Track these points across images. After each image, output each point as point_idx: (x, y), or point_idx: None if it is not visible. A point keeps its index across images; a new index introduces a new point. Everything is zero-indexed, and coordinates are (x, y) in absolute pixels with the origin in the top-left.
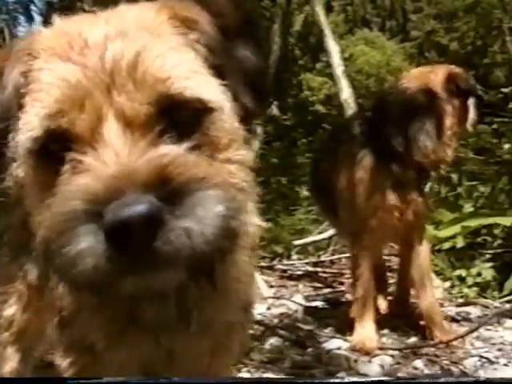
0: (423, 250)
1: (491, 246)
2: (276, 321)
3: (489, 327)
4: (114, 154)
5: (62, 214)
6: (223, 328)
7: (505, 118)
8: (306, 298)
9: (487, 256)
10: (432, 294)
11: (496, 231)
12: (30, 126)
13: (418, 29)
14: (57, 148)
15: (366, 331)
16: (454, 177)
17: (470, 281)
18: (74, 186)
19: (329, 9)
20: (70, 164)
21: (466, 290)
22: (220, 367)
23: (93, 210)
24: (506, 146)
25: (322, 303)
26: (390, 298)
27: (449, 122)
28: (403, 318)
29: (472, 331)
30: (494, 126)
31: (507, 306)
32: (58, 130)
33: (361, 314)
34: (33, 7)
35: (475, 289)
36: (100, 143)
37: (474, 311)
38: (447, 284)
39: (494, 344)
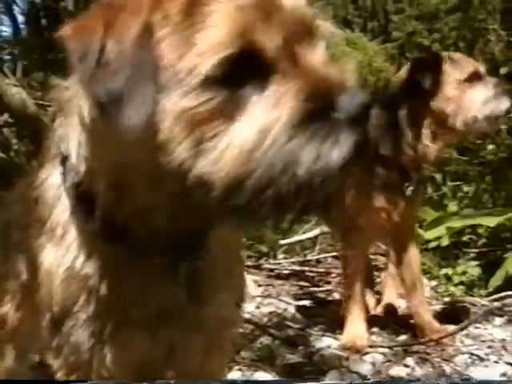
0: (413, 251)
1: (475, 244)
2: (265, 319)
3: (478, 325)
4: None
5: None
6: (216, 324)
7: None
8: (294, 296)
9: (472, 255)
10: (422, 294)
11: (480, 230)
12: (205, 54)
13: (399, 30)
14: (241, 72)
15: (356, 329)
16: (438, 177)
17: (456, 279)
18: (286, 89)
19: None
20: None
21: (452, 289)
22: (213, 366)
23: (324, 105)
24: (490, 147)
25: (309, 302)
26: (377, 296)
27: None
28: (393, 317)
29: (462, 329)
30: None
31: (495, 303)
32: (242, 51)
33: (351, 312)
34: (15, 7)
35: (461, 287)
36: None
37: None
38: (434, 283)
39: (483, 341)
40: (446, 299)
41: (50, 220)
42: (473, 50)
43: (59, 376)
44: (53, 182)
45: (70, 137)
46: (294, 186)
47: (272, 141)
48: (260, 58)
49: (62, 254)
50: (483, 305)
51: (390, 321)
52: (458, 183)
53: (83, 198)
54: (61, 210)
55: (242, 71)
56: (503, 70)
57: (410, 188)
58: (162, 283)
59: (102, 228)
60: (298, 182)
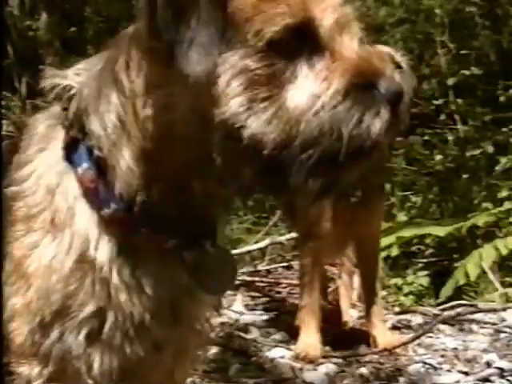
0: (373, 261)
1: (423, 254)
2: (217, 330)
3: (430, 334)
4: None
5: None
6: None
7: (436, 130)
8: (246, 307)
9: (420, 265)
10: (377, 303)
11: (428, 240)
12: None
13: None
14: (298, 43)
15: (310, 339)
16: (387, 187)
17: (405, 289)
18: (335, 66)
19: None
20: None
21: (402, 298)
22: (179, 371)
23: (368, 83)
24: (438, 157)
25: (261, 312)
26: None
27: None
28: (347, 326)
29: (416, 338)
30: (426, 138)
31: (445, 313)
32: (301, 23)
33: (305, 322)
34: None
35: (411, 297)
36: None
37: (415, 319)
38: (384, 292)
39: (436, 350)
40: (397, 309)
41: (50, 209)
42: (420, 62)
43: None
44: (51, 165)
45: (92, 110)
46: (338, 146)
47: (321, 106)
48: (315, 34)
49: (67, 246)
50: (435, 314)
51: (343, 331)
52: (406, 193)
53: (103, 178)
54: (63, 197)
55: (299, 43)
56: (450, 82)
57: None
58: (173, 273)
59: (122, 209)
60: (342, 143)
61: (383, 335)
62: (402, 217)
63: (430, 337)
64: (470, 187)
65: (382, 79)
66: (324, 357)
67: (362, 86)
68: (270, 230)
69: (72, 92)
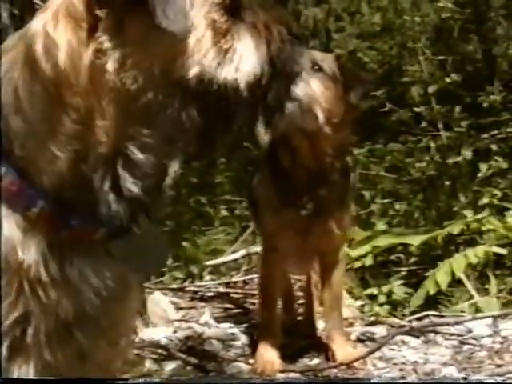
0: (337, 274)
1: (407, 263)
2: (180, 344)
3: (393, 347)
4: None
5: None
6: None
7: (418, 137)
8: (217, 319)
9: (400, 274)
10: (339, 316)
11: (412, 249)
12: None
13: (341, 48)
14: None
15: (268, 354)
16: (367, 194)
17: (381, 299)
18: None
19: None
20: None
21: (377, 309)
22: None
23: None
24: (419, 165)
25: (230, 325)
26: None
27: None
28: (307, 339)
29: (371, 352)
30: (409, 145)
31: (408, 325)
32: None
33: (264, 336)
34: None
35: (387, 307)
36: None
37: (380, 331)
38: (359, 303)
39: (395, 364)
40: (372, 319)
41: None
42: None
43: None
44: None
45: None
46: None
47: (271, 51)
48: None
49: None
50: (401, 325)
51: (304, 343)
52: (386, 201)
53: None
54: None
55: (235, 9)
56: (431, 89)
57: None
58: (103, 264)
59: (49, 205)
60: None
61: (342, 349)
62: (381, 225)
63: (393, 349)
64: (451, 194)
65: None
66: (282, 371)
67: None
68: (246, 240)
69: None
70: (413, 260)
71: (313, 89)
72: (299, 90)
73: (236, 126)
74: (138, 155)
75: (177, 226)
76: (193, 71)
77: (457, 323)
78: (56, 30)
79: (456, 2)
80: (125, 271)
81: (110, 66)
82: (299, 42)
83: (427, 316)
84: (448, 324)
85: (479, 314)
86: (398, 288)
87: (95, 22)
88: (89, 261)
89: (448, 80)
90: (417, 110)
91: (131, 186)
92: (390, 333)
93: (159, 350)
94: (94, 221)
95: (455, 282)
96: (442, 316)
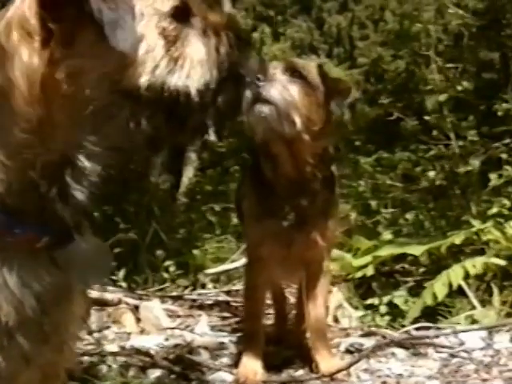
0: (321, 286)
1: (415, 273)
2: (168, 352)
3: (381, 359)
4: None
5: None
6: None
7: (429, 145)
8: (213, 328)
9: (405, 284)
10: (323, 327)
11: (421, 258)
12: None
13: (364, 56)
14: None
15: (251, 364)
16: (373, 203)
17: (382, 309)
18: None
19: (276, 36)
20: None
21: (377, 319)
22: None
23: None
24: (431, 174)
25: (223, 334)
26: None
27: None
28: (295, 349)
29: (352, 364)
30: (419, 154)
31: (397, 335)
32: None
33: (247, 346)
34: None
35: (387, 317)
36: None
37: (369, 342)
38: (360, 312)
39: (379, 376)
40: (373, 329)
41: None
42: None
43: None
44: None
45: None
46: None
47: (219, 56)
48: (190, 6)
49: None
50: (391, 337)
51: (290, 354)
52: (392, 210)
53: None
54: None
55: (184, 16)
56: (442, 97)
57: (291, 216)
58: (46, 272)
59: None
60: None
61: (325, 360)
62: (387, 235)
63: (380, 362)
64: (461, 204)
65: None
66: (264, 382)
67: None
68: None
69: None
70: (421, 270)
71: (291, 94)
72: (276, 93)
73: (187, 132)
74: (86, 163)
75: (187, 233)
76: (143, 80)
77: (436, 336)
78: (8, 41)
79: (473, 8)
80: (68, 278)
81: (61, 76)
82: (248, 46)
83: (423, 327)
84: (427, 337)
85: (459, 327)
86: (398, 298)
87: (47, 34)
88: (30, 267)
89: (459, 88)
90: (426, 118)
91: (77, 194)
92: (372, 345)
93: (147, 358)
94: (38, 229)
95: (459, 293)
96: (438, 328)
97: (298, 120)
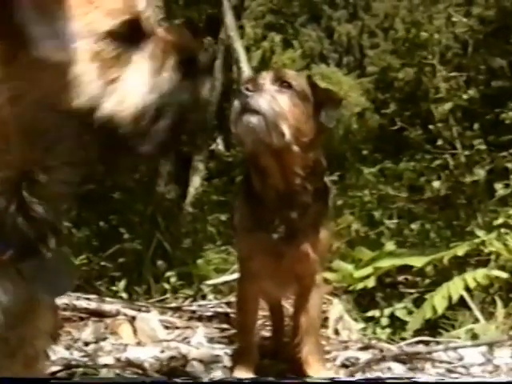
0: (313, 298)
1: (422, 283)
2: (162, 364)
3: (377, 373)
4: None
5: None
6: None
7: (434, 155)
8: (211, 340)
9: (408, 296)
10: (315, 342)
11: (428, 269)
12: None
13: (374, 64)
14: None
15: (242, 377)
16: (377, 214)
17: (383, 322)
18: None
19: (286, 45)
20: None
21: (378, 331)
22: None
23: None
24: (436, 184)
25: (220, 346)
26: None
27: None
28: (288, 363)
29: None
30: (423, 163)
31: (394, 349)
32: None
33: (240, 359)
34: None
35: (388, 330)
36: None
37: (365, 356)
38: (361, 325)
39: None
40: (374, 342)
41: None
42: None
43: None
44: None
45: None
46: (180, 113)
47: (161, 81)
48: (141, 25)
49: None
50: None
51: (284, 367)
52: (396, 221)
53: None
54: None
55: (132, 33)
56: (447, 106)
57: (282, 228)
58: (13, 285)
59: None
60: (182, 110)
61: (317, 375)
62: (390, 246)
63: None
64: (467, 214)
65: (197, 54)
66: None
67: (184, 61)
68: None
69: None
70: (426, 281)
71: (280, 104)
72: (264, 104)
73: (126, 157)
74: (43, 178)
75: (192, 243)
76: (77, 103)
77: (429, 353)
78: None
79: (481, 16)
80: (34, 291)
81: (3, 97)
82: (205, 70)
83: (421, 342)
84: (419, 353)
85: (452, 344)
86: (400, 311)
87: None
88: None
89: (465, 97)
90: (431, 127)
91: (37, 207)
92: (366, 360)
93: (139, 371)
94: (1, 242)
95: (463, 305)
96: (437, 342)
97: (286, 131)
